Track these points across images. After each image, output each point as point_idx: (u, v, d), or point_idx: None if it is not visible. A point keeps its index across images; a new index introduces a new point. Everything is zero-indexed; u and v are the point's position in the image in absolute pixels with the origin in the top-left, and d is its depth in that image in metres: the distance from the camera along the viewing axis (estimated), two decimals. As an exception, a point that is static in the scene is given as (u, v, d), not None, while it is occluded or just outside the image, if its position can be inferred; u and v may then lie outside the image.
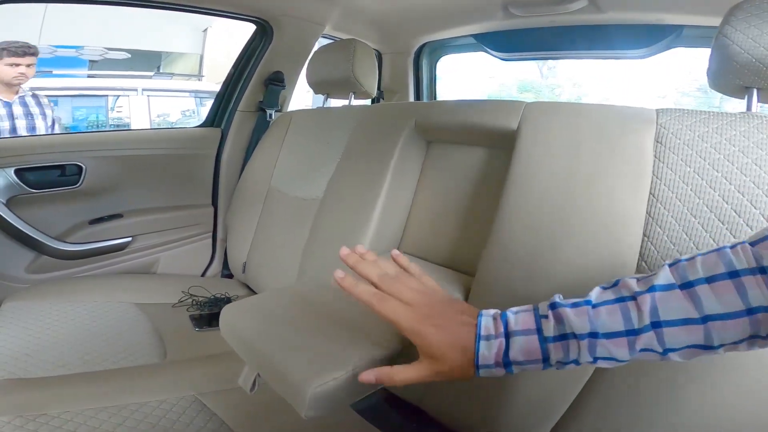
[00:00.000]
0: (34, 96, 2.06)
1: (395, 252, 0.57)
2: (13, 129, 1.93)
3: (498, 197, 0.78)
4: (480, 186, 0.92)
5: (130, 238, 1.40)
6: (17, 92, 1.99)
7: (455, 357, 0.46)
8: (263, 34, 1.47)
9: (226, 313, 0.67)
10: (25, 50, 1.92)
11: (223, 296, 1.28)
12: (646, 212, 0.65)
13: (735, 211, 0.60)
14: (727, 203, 0.60)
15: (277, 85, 1.53)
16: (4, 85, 1.94)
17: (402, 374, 0.48)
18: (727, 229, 0.60)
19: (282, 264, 1.17)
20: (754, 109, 0.67)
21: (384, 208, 0.97)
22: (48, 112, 2.08)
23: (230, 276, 1.51)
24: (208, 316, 1.17)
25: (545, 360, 0.46)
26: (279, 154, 1.36)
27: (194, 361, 0.96)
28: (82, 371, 0.88)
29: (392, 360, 0.59)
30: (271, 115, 1.55)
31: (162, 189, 1.48)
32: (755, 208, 0.59)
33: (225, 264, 1.55)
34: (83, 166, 1.31)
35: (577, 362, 0.46)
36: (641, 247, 0.64)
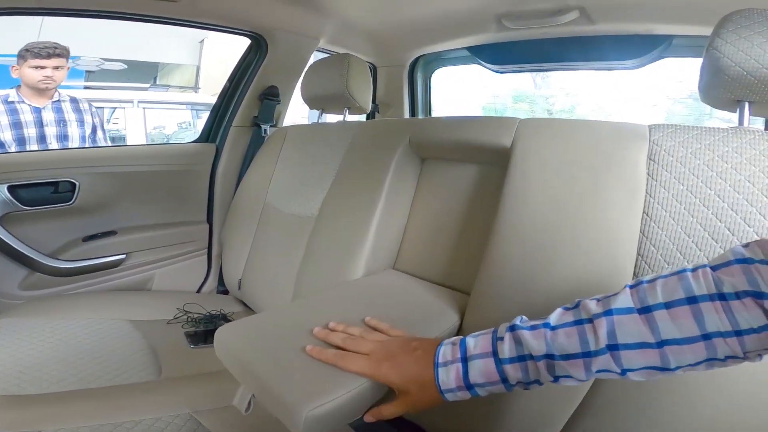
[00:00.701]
0: (73, 101, 1.89)
1: (367, 318, 0.66)
2: (42, 137, 1.80)
3: (493, 214, 0.78)
4: (475, 203, 0.92)
5: (124, 255, 1.39)
6: (51, 97, 1.83)
7: (417, 389, 0.52)
8: (258, 48, 1.47)
9: (221, 334, 0.66)
10: (50, 51, 1.75)
11: (218, 313, 1.27)
12: (640, 231, 0.65)
13: (729, 230, 0.60)
14: (720, 222, 0.60)
15: (272, 99, 1.53)
16: (33, 90, 1.79)
17: (387, 410, 0.54)
18: (721, 247, 0.60)
19: (278, 281, 1.16)
20: (746, 123, 0.67)
21: (379, 226, 0.97)
22: (87, 118, 1.92)
23: (226, 292, 1.50)
24: (203, 332, 1.16)
25: (504, 381, 0.48)
26: (274, 170, 1.35)
27: (189, 379, 0.95)
28: (76, 388, 0.87)
29: None
30: (266, 130, 1.55)
31: (156, 206, 1.47)
32: (749, 226, 0.59)
33: (220, 280, 1.53)
34: (76, 183, 1.30)
35: (539, 382, 0.48)
36: (636, 266, 0.64)
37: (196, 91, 7.08)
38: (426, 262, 0.96)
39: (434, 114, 1.98)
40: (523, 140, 0.79)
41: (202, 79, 7.17)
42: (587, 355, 0.45)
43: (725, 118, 0.69)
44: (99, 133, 1.99)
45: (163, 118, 5.33)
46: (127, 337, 1.07)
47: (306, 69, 1.41)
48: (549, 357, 0.46)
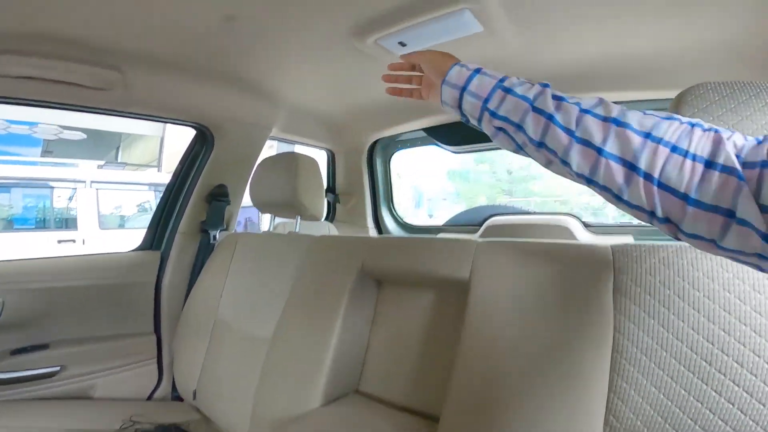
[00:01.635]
0: None
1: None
2: None
3: (455, 338, 0.74)
4: (436, 326, 0.89)
5: (58, 368, 1.22)
6: None
7: (435, 56, 0.61)
8: (203, 141, 1.38)
9: None
10: None
11: (171, 425, 1.10)
12: (610, 368, 0.60)
13: (706, 361, 0.55)
14: (696, 354, 0.56)
15: (220, 200, 1.43)
16: None
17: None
18: (698, 378, 0.56)
19: (235, 394, 1.06)
20: None
21: (338, 351, 0.91)
22: None
23: (181, 398, 1.33)
24: (154, 445, 1.00)
25: (486, 101, 0.52)
26: (225, 281, 1.25)
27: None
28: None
29: None
30: (215, 236, 1.43)
31: (95, 319, 1.31)
32: (726, 355, 0.55)
33: (174, 386, 1.37)
34: (2, 300, 1.15)
35: (518, 126, 0.49)
36: (608, 401, 0.59)
37: (159, 170, 6.80)
38: (390, 385, 0.91)
39: (398, 194, 1.94)
40: (481, 267, 0.77)
41: (165, 154, 6.99)
42: (578, 105, 0.46)
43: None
44: None
45: (122, 198, 5.02)
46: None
47: (256, 165, 1.34)
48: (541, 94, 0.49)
